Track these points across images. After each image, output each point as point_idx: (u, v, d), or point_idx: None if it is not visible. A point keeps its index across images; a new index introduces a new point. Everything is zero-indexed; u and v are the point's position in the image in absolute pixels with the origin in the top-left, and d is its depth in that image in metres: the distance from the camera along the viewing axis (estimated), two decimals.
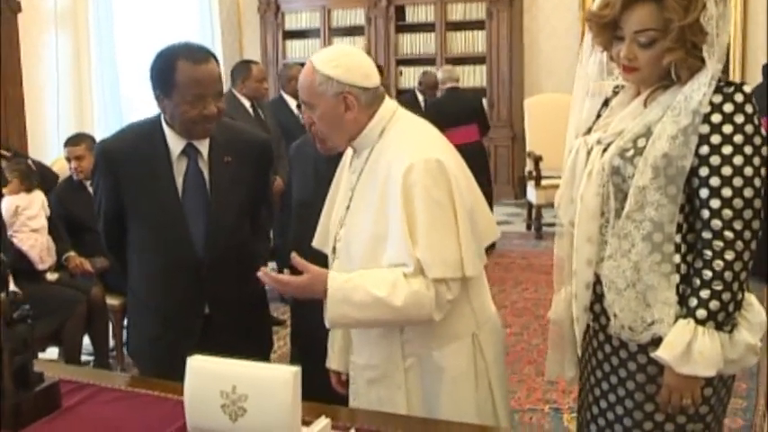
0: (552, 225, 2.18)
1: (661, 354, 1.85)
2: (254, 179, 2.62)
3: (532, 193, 7.94)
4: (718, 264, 1.82)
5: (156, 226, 2.51)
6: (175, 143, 2.48)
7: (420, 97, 7.80)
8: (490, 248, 7.04)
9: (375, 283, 1.99)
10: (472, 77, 9.33)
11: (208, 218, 2.49)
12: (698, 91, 1.82)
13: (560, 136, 2.16)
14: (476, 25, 9.38)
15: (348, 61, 2.11)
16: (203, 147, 2.50)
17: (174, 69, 2.37)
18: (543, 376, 2.29)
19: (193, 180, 2.49)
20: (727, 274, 1.82)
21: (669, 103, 1.87)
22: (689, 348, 1.82)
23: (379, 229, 2.05)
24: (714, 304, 1.82)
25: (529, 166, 8.13)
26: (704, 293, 1.83)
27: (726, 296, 1.82)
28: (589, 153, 1.99)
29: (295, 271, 2.06)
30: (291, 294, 2.03)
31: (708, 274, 1.83)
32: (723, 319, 1.83)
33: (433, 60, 9.43)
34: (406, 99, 7.77)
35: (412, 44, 9.68)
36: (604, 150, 1.95)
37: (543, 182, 7.71)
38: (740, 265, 1.82)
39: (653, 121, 1.89)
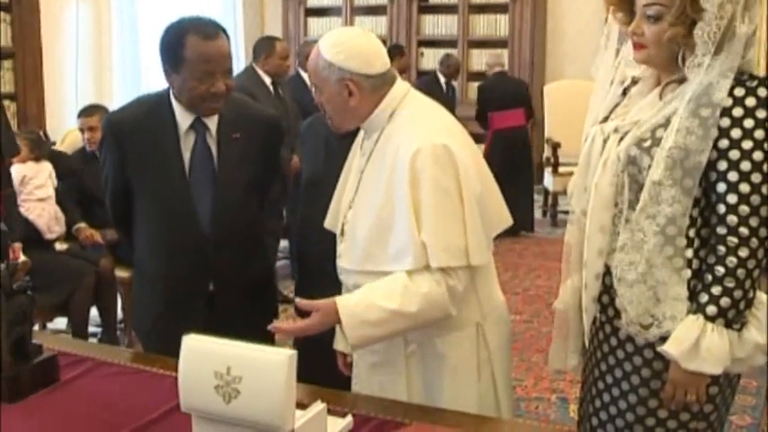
0: (568, 213, 2.15)
1: (668, 348, 1.82)
2: (264, 156, 2.58)
3: (549, 180, 7.89)
4: (732, 260, 1.78)
5: (161, 201, 2.48)
6: (183, 118, 2.44)
7: (442, 80, 7.74)
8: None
9: (385, 295, 1.97)
10: None
11: (214, 194, 2.45)
12: (714, 83, 1.77)
13: (579, 123, 2.13)
14: (499, 8, 9.26)
15: (352, 47, 2.07)
16: (212, 122, 2.46)
17: (183, 45, 2.33)
18: None
19: (201, 156, 2.45)
20: (740, 272, 1.78)
21: (686, 94, 1.82)
22: (697, 344, 1.79)
23: (385, 214, 2.02)
24: (725, 301, 1.79)
25: (547, 152, 8.08)
26: (715, 290, 1.79)
27: (737, 294, 1.78)
28: (605, 141, 1.96)
29: (304, 313, 2.04)
30: (312, 333, 2.02)
31: (720, 270, 1.79)
32: (733, 317, 1.80)
33: (455, 42, 9.34)
34: (427, 81, 7.74)
35: (434, 25, 9.56)
36: (621, 139, 1.91)
37: (561, 169, 7.66)
38: (754, 262, 1.78)
39: (671, 112, 1.84)
